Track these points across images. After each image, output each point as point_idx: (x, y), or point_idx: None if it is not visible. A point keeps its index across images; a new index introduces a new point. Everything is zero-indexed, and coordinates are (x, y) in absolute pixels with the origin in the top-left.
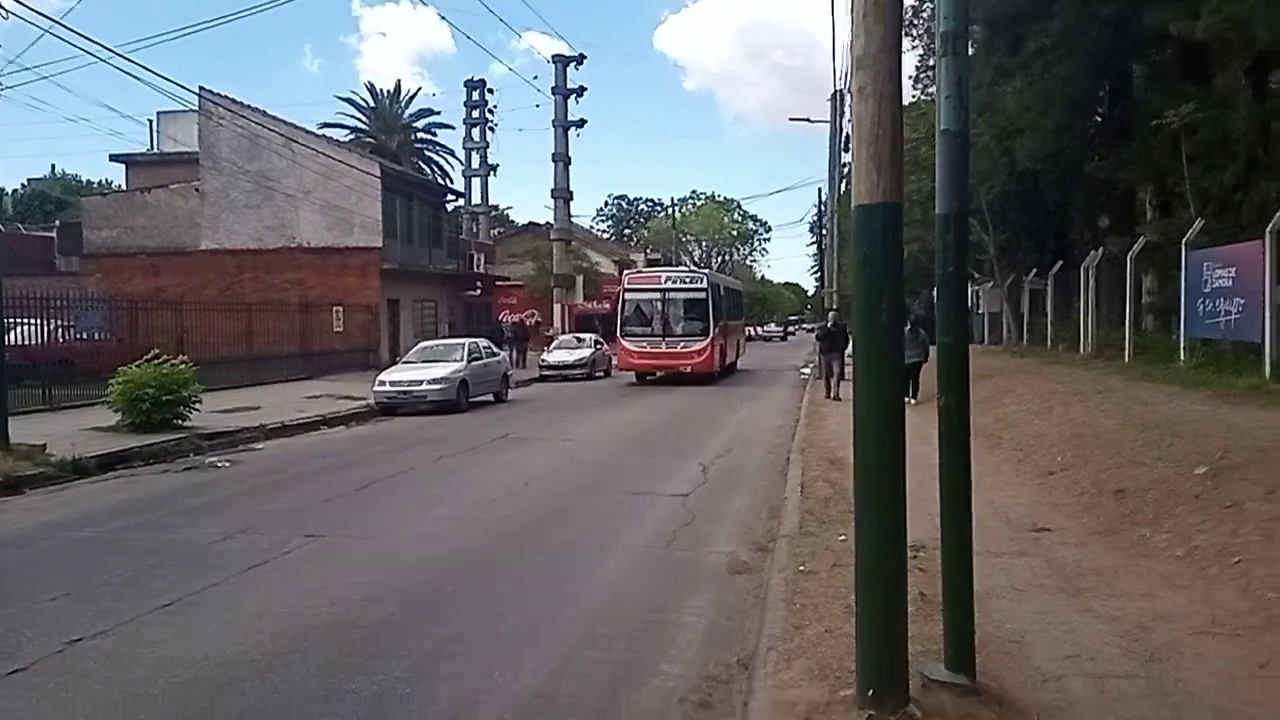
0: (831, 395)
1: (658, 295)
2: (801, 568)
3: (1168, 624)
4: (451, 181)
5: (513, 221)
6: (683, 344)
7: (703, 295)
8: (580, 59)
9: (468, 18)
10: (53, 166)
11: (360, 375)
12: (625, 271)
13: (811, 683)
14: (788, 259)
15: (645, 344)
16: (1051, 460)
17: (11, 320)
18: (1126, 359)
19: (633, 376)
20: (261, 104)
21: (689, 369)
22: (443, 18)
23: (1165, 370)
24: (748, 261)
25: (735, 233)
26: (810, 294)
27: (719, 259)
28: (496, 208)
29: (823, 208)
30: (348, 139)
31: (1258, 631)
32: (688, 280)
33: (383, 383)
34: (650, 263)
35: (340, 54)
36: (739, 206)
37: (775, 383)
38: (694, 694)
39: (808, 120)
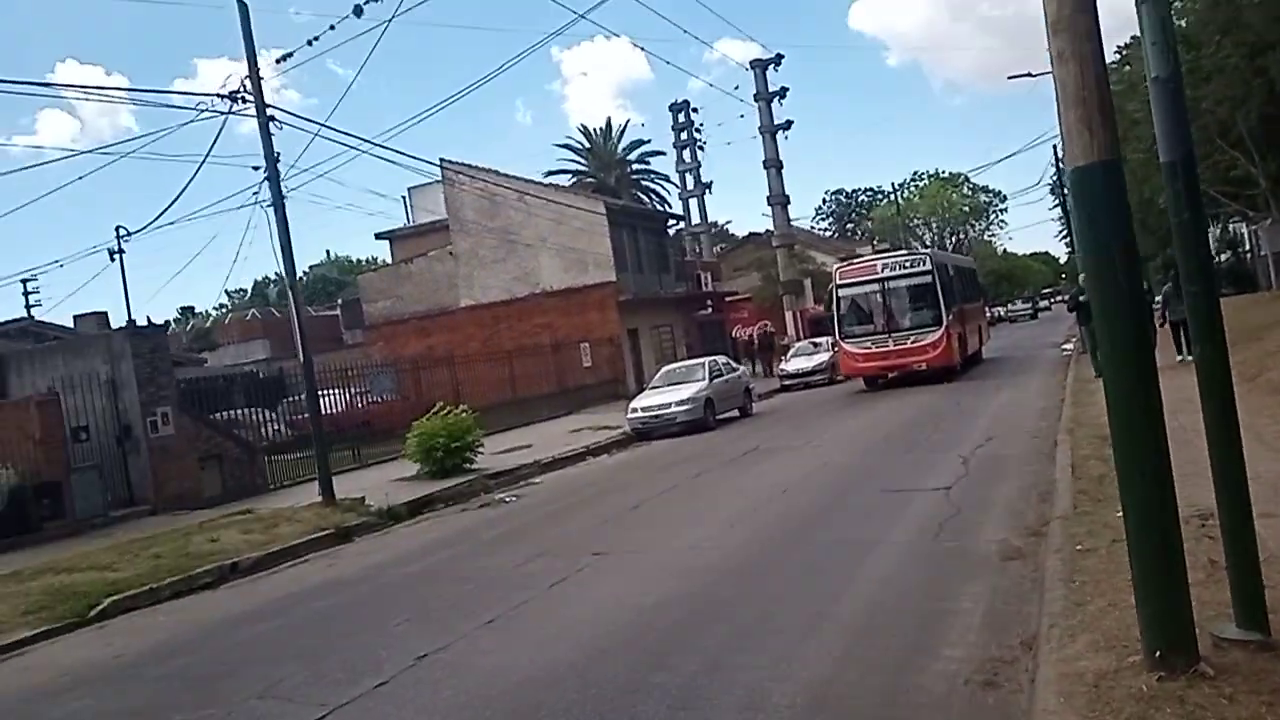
0: (1098, 372)
1: (876, 286)
2: (1079, 547)
3: None
4: (670, 206)
5: (733, 235)
6: (913, 338)
7: (928, 279)
8: (778, 59)
9: (660, 41)
10: (328, 251)
11: (611, 405)
12: (835, 265)
13: (1098, 654)
14: (1031, 227)
15: (869, 344)
16: None
17: (323, 393)
18: None
19: (861, 383)
20: (488, 164)
21: (924, 365)
22: (637, 45)
23: None
24: (986, 236)
25: (967, 208)
26: (1063, 261)
27: (953, 239)
28: (716, 224)
29: (1061, 164)
30: (570, 182)
31: None
32: (908, 264)
33: (635, 410)
34: (879, 253)
35: (548, 101)
36: (966, 180)
37: (1032, 367)
38: (978, 675)
39: (1029, 75)
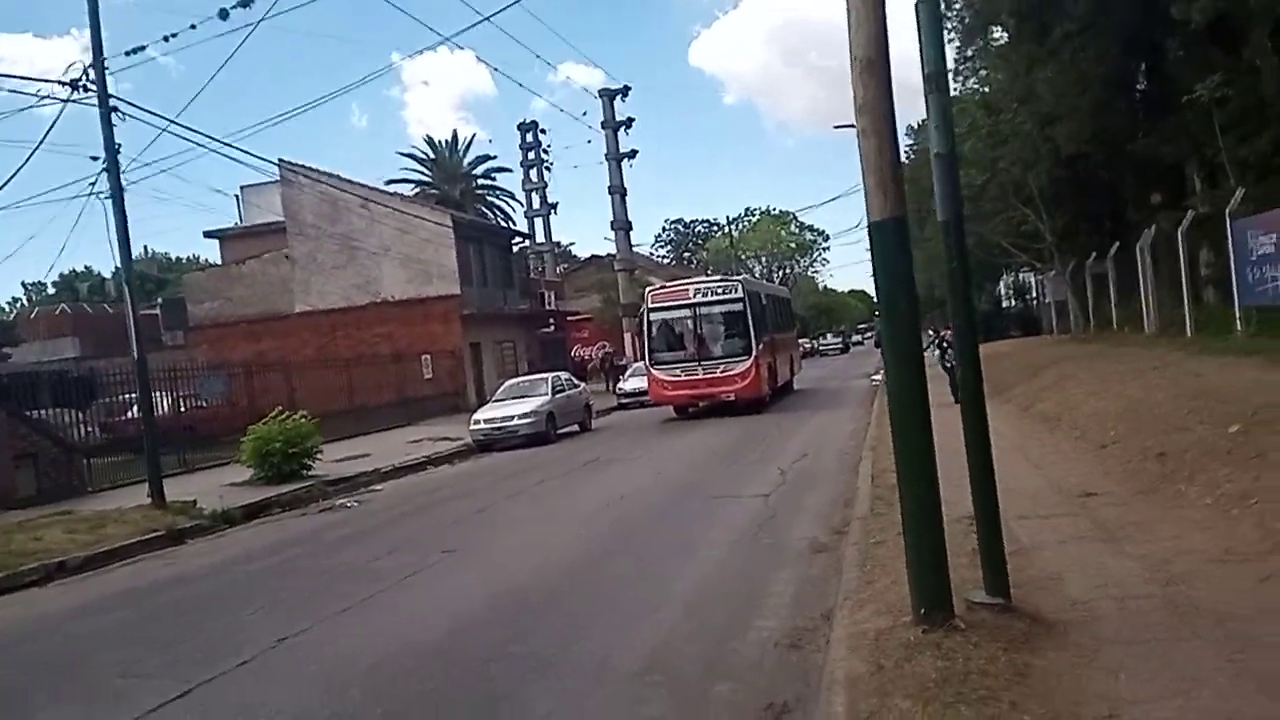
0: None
1: (688, 312)
2: (872, 540)
3: (1188, 557)
4: (514, 223)
5: (576, 256)
6: (722, 367)
7: (739, 306)
8: (625, 90)
9: (503, 56)
10: (145, 248)
11: (452, 417)
12: (647, 289)
13: (879, 617)
14: (849, 266)
15: (679, 371)
16: (1105, 435)
17: (135, 395)
18: (1189, 334)
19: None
20: (321, 165)
21: (733, 396)
22: (480, 60)
23: (1224, 341)
24: (810, 273)
25: (794, 245)
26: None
27: (780, 273)
28: (560, 244)
29: None
30: (413, 192)
31: (1264, 555)
32: (720, 290)
33: (477, 421)
34: (692, 278)
35: (386, 106)
36: (795, 218)
37: (842, 397)
38: (786, 639)
39: (852, 126)
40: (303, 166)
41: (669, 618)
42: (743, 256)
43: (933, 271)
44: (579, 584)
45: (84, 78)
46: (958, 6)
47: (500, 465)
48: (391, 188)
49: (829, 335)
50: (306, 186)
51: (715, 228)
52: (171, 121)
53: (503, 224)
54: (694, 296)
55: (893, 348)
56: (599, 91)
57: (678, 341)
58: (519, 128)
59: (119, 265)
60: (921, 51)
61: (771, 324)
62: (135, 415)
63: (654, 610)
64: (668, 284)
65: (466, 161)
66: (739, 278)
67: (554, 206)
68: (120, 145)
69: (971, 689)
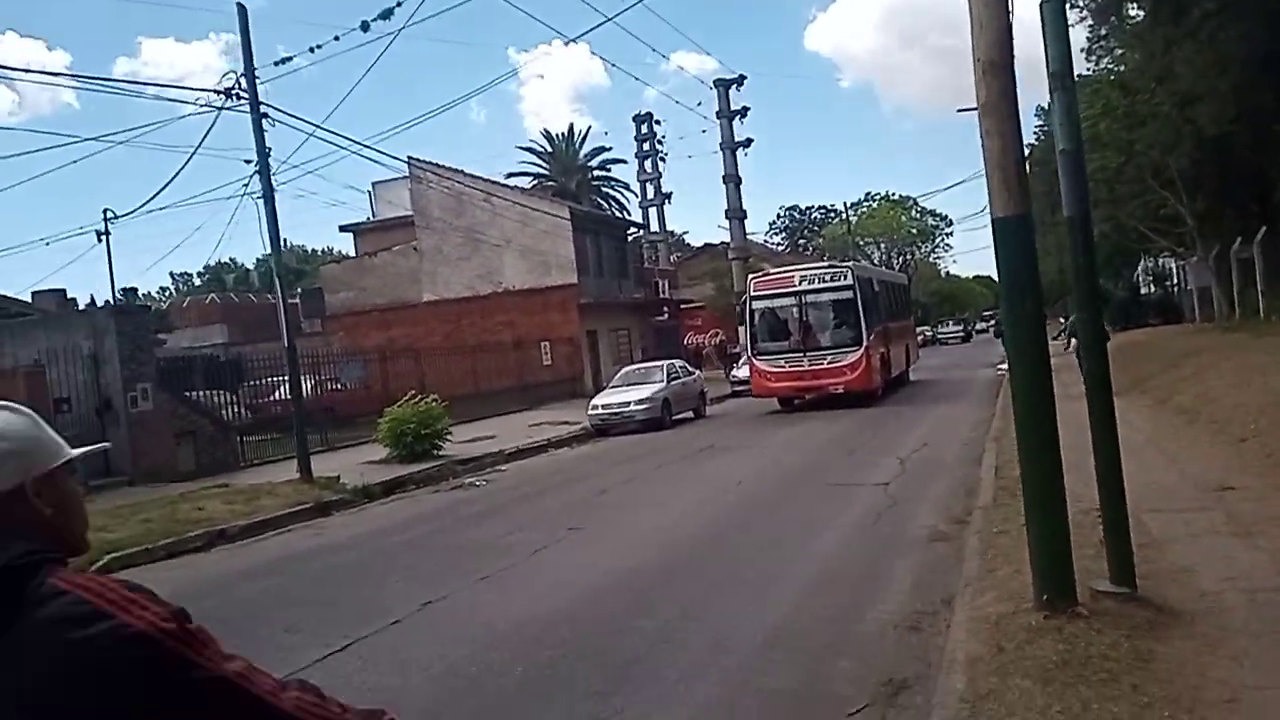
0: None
1: (792, 300)
2: (995, 530)
3: None
4: (628, 213)
5: (689, 245)
6: (830, 357)
7: (849, 294)
8: (740, 80)
9: (616, 46)
10: (285, 240)
11: (569, 403)
12: (751, 276)
13: (1000, 603)
14: (975, 252)
15: (783, 362)
16: (1245, 429)
17: (281, 378)
18: None
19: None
20: (441, 159)
21: (841, 388)
22: (594, 53)
23: None
24: (931, 258)
25: (915, 230)
26: None
27: (900, 259)
28: (673, 233)
29: None
30: (531, 185)
31: None
32: (828, 277)
33: (595, 406)
34: (798, 265)
35: (503, 101)
36: (915, 203)
37: (965, 389)
38: (905, 622)
39: (976, 109)
40: (430, 163)
41: (789, 598)
42: (860, 243)
43: (1064, 257)
44: (700, 563)
45: (236, 86)
46: None
47: (618, 449)
48: (510, 180)
49: (949, 323)
50: (433, 182)
51: (832, 214)
52: (318, 126)
53: (617, 214)
54: (799, 284)
55: (1015, 341)
56: (714, 81)
57: (782, 331)
58: (634, 119)
59: (260, 259)
60: (1046, 50)
61: (885, 312)
62: (279, 397)
63: (774, 591)
64: (771, 271)
65: (582, 154)
66: (847, 264)
67: (668, 196)
68: (271, 149)
69: (1092, 671)
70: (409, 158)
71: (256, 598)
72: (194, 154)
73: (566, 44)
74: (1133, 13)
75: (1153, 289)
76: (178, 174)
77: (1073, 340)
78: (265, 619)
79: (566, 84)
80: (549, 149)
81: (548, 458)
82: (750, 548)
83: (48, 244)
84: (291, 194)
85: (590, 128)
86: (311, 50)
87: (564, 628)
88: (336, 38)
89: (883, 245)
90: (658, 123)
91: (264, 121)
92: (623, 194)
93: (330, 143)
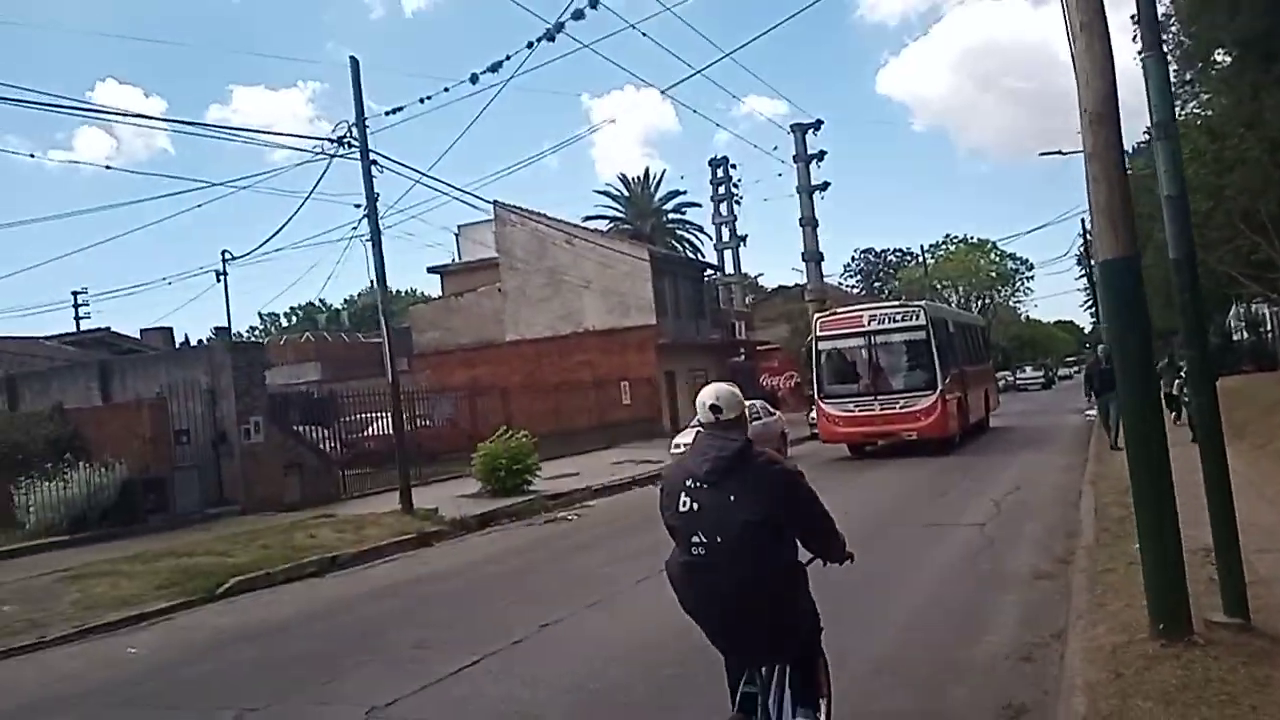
0: (1114, 443)
1: (861, 341)
2: (1100, 568)
3: None
4: (702, 254)
5: (762, 287)
6: (902, 402)
7: (922, 335)
8: (817, 124)
9: (689, 92)
10: (371, 282)
11: (649, 441)
12: (817, 316)
13: (1115, 634)
14: (1055, 296)
15: (852, 406)
16: None
17: (373, 415)
18: None
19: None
20: (513, 200)
21: (914, 434)
22: (666, 95)
23: None
24: (1011, 302)
25: (994, 274)
26: (1087, 331)
27: (978, 302)
28: (748, 276)
29: (1089, 235)
30: (608, 228)
31: None
32: (899, 318)
33: (678, 445)
34: (867, 304)
35: (575, 146)
36: (994, 246)
37: (1051, 435)
38: (1017, 653)
39: (1060, 153)
40: (515, 207)
41: (894, 629)
42: (938, 286)
43: (1156, 301)
44: None
45: (348, 135)
46: (1174, 29)
47: None
48: (588, 224)
49: (1028, 368)
50: (517, 224)
51: (908, 257)
52: (424, 174)
53: (691, 256)
54: (869, 324)
55: (1126, 381)
56: (791, 126)
57: (851, 373)
58: (710, 163)
59: (349, 299)
60: (1149, 102)
61: (961, 355)
62: (372, 433)
63: (879, 622)
64: (839, 310)
65: (657, 197)
66: (920, 303)
67: (743, 239)
68: (379, 194)
69: (1212, 694)
70: (495, 201)
71: (381, 617)
72: (308, 198)
73: (646, 86)
74: (1219, 58)
75: (1245, 335)
76: (293, 216)
77: (1180, 381)
78: (396, 636)
79: (638, 128)
80: (625, 192)
81: (632, 494)
82: (850, 584)
83: (170, 283)
84: (388, 237)
85: (665, 172)
86: (421, 101)
87: (680, 646)
88: (446, 89)
89: (960, 288)
90: (733, 166)
91: (373, 168)
92: (696, 236)
93: (432, 188)
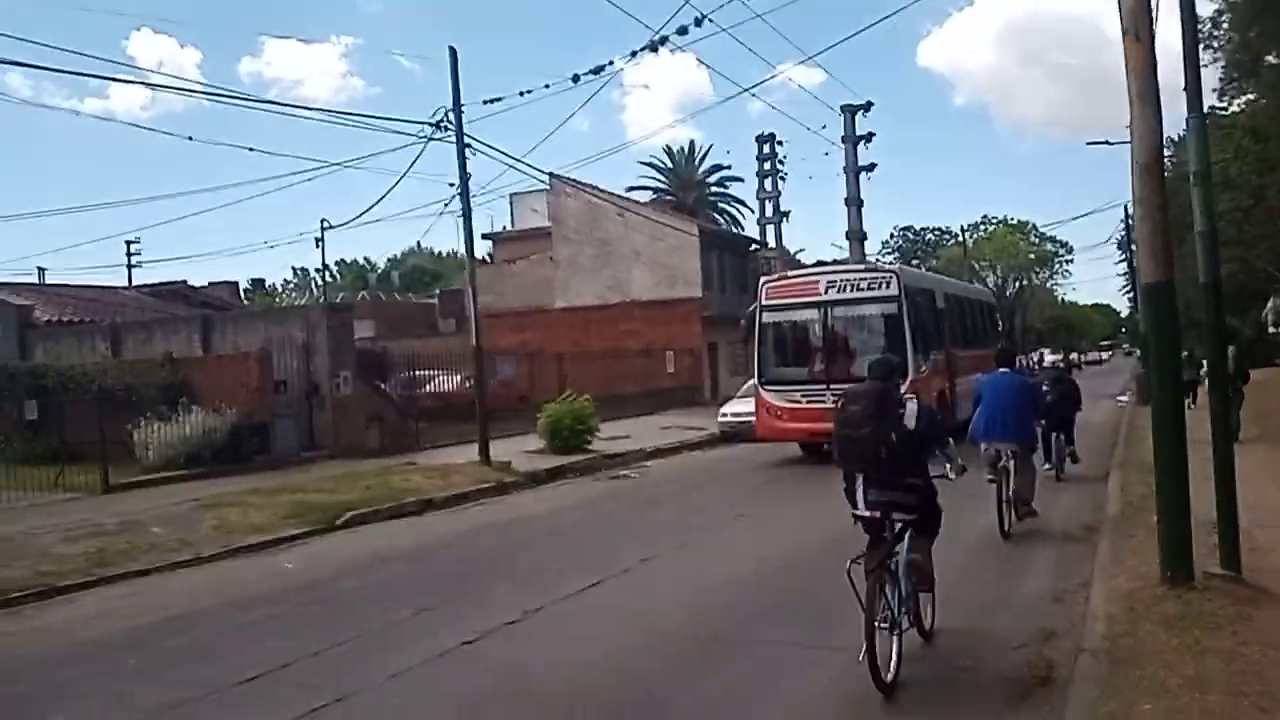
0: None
1: (815, 314)
2: (1123, 534)
3: None
4: (743, 228)
5: (801, 263)
6: None
7: (893, 307)
8: (867, 106)
9: (720, 58)
10: (418, 244)
11: (692, 409)
12: (764, 280)
13: (1131, 582)
14: (1095, 281)
15: (799, 396)
16: None
17: (433, 372)
18: None
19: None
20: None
21: None
22: (701, 62)
23: None
24: (1049, 285)
25: (1033, 256)
26: (1124, 315)
27: (1015, 284)
28: (789, 252)
29: (1131, 221)
30: (650, 199)
31: None
32: (865, 284)
33: (725, 414)
34: (825, 266)
35: (605, 110)
36: (1034, 229)
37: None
38: (1050, 595)
39: (1107, 143)
40: (569, 179)
41: (944, 577)
42: (976, 266)
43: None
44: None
45: (445, 120)
46: (1225, 26)
47: (750, 454)
48: (631, 194)
49: (1045, 352)
50: (571, 195)
51: (948, 235)
52: (518, 160)
53: (733, 229)
54: (825, 292)
55: (1159, 387)
56: (841, 107)
57: (800, 354)
58: (756, 139)
59: (391, 259)
60: (1191, 152)
61: (953, 335)
62: (430, 390)
63: (938, 565)
64: (789, 274)
65: (701, 170)
66: (892, 267)
67: (786, 214)
68: (471, 174)
69: (1204, 621)
70: (550, 172)
71: (496, 549)
72: (404, 175)
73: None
74: (1272, 60)
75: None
76: (391, 189)
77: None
78: (518, 563)
79: (670, 95)
80: (669, 164)
81: (684, 458)
82: None
83: (272, 247)
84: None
85: (711, 146)
86: (521, 94)
87: (763, 585)
88: (547, 85)
89: (999, 269)
90: (780, 143)
91: (467, 151)
92: (737, 209)
93: (514, 168)
